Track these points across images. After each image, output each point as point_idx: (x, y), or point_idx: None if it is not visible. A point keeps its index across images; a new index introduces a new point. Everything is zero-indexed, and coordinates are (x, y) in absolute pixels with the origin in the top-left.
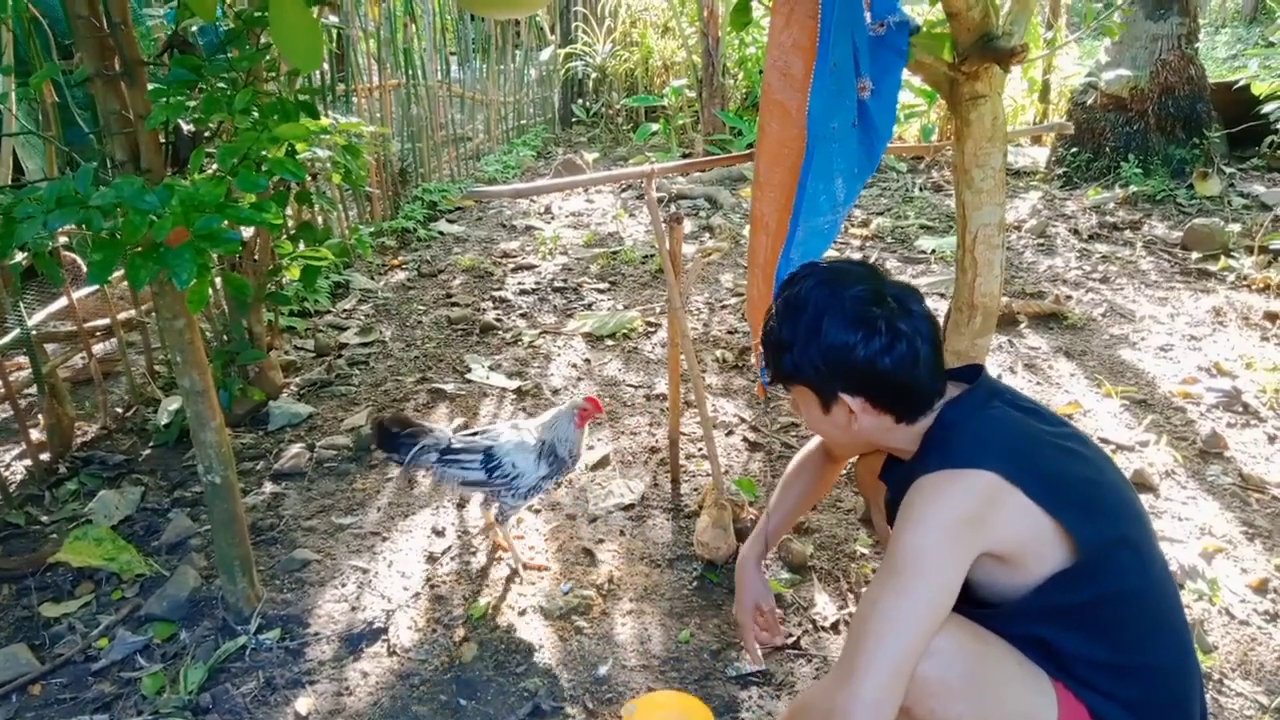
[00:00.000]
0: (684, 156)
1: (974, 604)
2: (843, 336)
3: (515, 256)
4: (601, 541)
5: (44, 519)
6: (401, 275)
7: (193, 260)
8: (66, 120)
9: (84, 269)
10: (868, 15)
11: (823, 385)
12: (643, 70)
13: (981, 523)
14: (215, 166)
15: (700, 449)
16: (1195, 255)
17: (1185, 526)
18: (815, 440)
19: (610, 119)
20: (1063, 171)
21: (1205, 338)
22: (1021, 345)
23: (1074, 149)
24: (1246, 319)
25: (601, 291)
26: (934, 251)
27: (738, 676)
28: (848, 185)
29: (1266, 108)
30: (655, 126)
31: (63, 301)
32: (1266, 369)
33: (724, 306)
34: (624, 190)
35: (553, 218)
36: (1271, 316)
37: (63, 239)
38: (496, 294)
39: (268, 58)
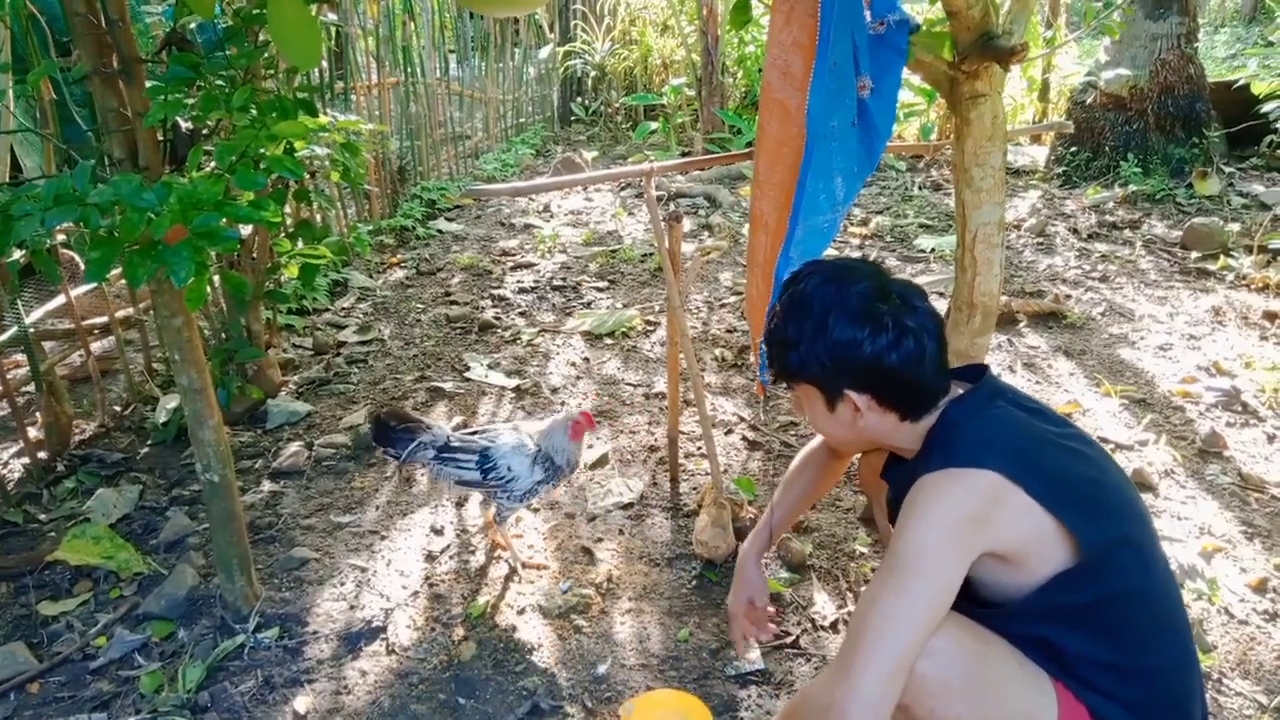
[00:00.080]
0: (683, 155)
1: (976, 603)
2: (849, 333)
3: (514, 255)
4: (600, 540)
5: (42, 517)
6: (400, 273)
7: (191, 258)
8: (64, 118)
9: (82, 267)
10: (867, 14)
11: (828, 382)
12: (642, 68)
13: (984, 522)
14: (213, 164)
15: (699, 448)
16: (1194, 254)
17: (1184, 526)
18: (819, 437)
19: (609, 117)
20: (1062, 170)
21: (1204, 337)
22: (1021, 344)
23: (1073, 148)
24: (1246, 318)
25: (600, 290)
26: (933, 250)
27: (736, 675)
28: (847, 184)
29: (1266, 107)
30: (654, 125)
31: (61, 299)
32: (1265, 368)
33: (723, 305)
34: (623, 189)
35: (552, 216)
36: (1270, 316)
37: (60, 237)
38: (495, 292)
39: (266, 55)
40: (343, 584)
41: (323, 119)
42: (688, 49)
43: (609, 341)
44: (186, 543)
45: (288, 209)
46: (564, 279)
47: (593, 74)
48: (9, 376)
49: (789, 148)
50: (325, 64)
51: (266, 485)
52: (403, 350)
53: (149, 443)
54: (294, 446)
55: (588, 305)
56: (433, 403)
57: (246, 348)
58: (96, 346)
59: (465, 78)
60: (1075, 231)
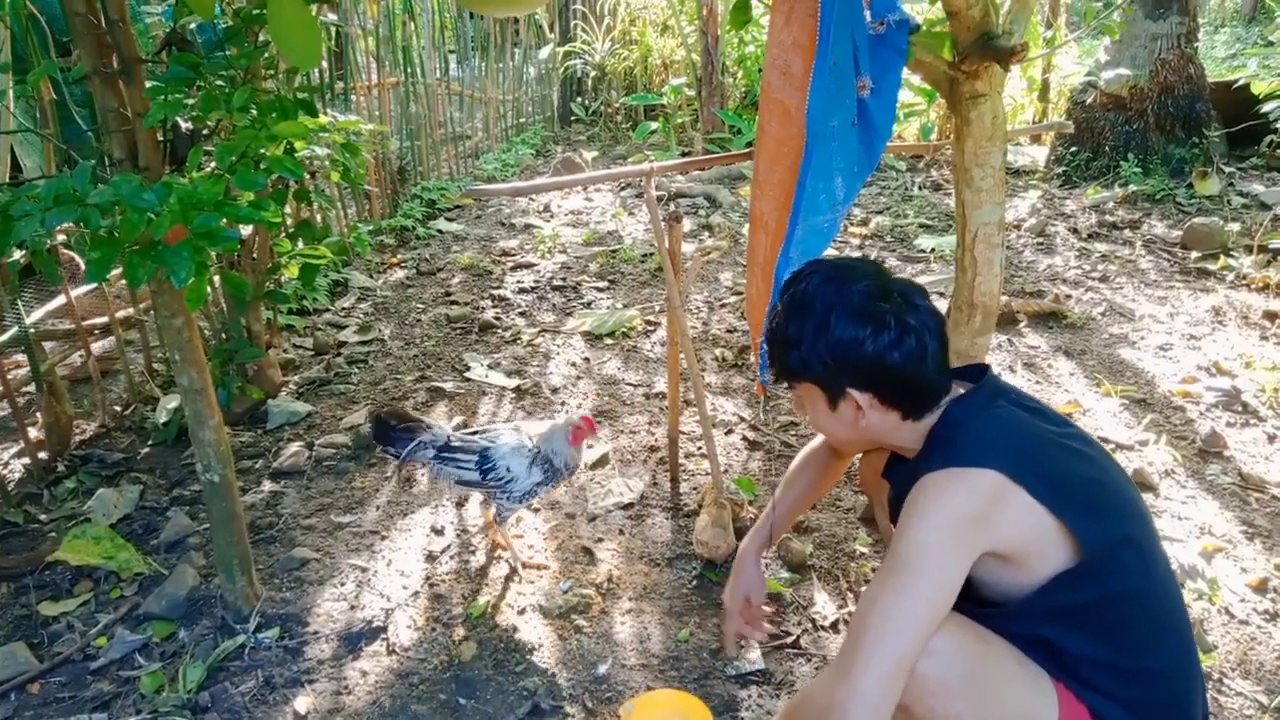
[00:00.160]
0: (683, 155)
1: (977, 603)
2: (851, 331)
3: (514, 255)
4: (601, 540)
5: (42, 517)
6: (400, 273)
7: (191, 258)
8: (64, 118)
9: (82, 267)
10: (868, 14)
11: (830, 381)
12: (642, 68)
13: (985, 522)
14: (213, 164)
15: (699, 448)
16: (1194, 254)
17: (1185, 526)
18: (820, 437)
19: (609, 117)
20: (1062, 170)
21: (1204, 337)
22: (1021, 344)
23: (1073, 148)
24: (1246, 318)
25: (601, 290)
26: (933, 250)
27: (737, 675)
28: (847, 184)
29: (1266, 107)
30: (654, 125)
31: (61, 299)
32: (1266, 368)
33: (723, 305)
34: (623, 189)
35: (552, 216)
36: (1271, 316)
37: (61, 237)
38: (495, 292)
39: (266, 55)
40: (343, 584)
41: (323, 119)
42: (688, 49)
43: (609, 341)
44: (187, 543)
45: (288, 209)
46: (564, 279)
47: (593, 74)
48: (9, 377)
49: (789, 148)
50: (325, 64)
51: (267, 485)
52: (403, 350)
53: (149, 443)
54: (294, 446)
55: (588, 305)
56: (433, 403)
57: (247, 348)
58: (97, 347)
59: (465, 78)
60: (1075, 231)
